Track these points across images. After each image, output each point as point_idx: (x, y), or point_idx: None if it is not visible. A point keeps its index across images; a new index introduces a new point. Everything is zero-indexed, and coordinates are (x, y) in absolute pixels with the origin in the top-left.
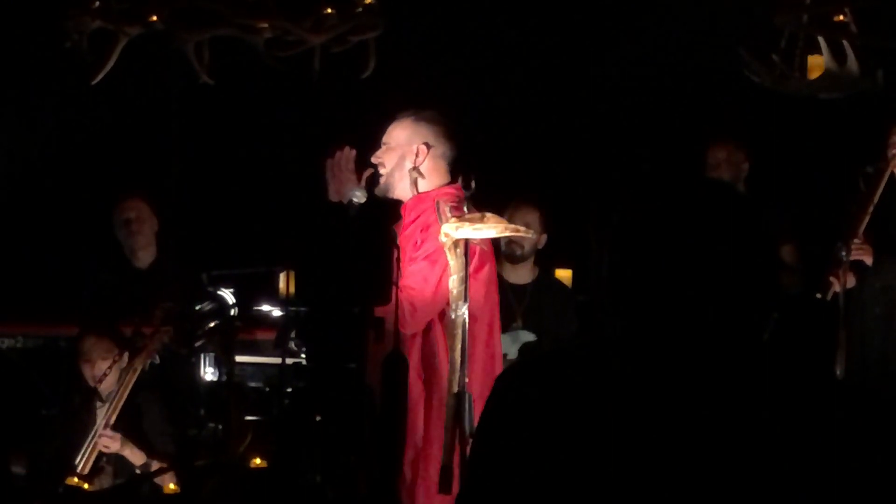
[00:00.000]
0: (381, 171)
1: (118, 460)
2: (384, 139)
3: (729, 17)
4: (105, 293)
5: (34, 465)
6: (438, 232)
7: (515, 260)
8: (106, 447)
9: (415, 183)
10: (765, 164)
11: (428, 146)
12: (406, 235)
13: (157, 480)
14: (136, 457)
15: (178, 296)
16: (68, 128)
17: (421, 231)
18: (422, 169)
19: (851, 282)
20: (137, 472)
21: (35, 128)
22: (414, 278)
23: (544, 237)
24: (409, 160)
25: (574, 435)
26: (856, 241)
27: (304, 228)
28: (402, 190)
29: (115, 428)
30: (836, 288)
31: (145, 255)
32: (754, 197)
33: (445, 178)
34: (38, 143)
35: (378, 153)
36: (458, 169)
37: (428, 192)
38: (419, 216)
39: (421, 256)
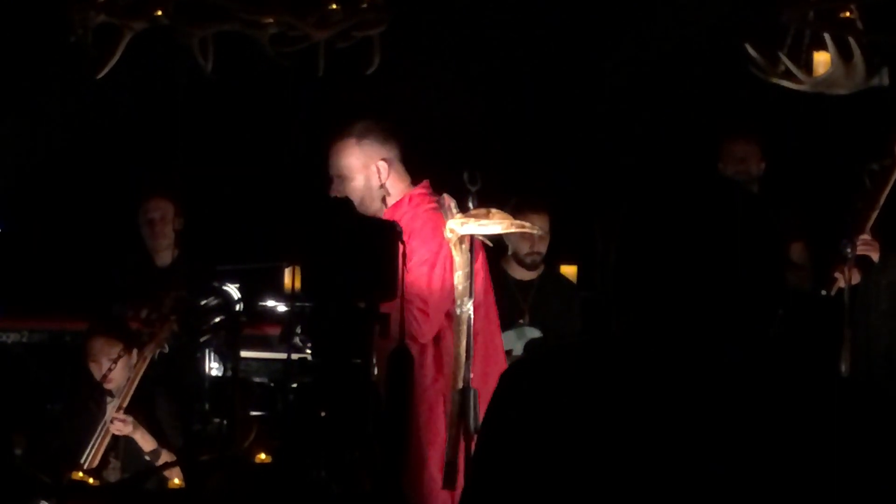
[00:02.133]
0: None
1: (125, 455)
2: (336, 170)
3: (734, 12)
4: (124, 291)
5: (39, 460)
6: (430, 234)
7: (535, 266)
8: (118, 430)
9: (383, 200)
10: (772, 160)
11: (386, 161)
12: None
13: (162, 475)
14: (146, 442)
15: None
16: (73, 123)
17: (409, 239)
18: (388, 185)
19: (856, 278)
20: (146, 458)
21: (40, 123)
22: (416, 287)
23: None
24: (374, 181)
25: (580, 431)
26: (864, 237)
27: (309, 223)
28: (376, 211)
29: (126, 414)
30: (841, 284)
31: (166, 255)
32: (765, 194)
33: (407, 179)
34: (43, 138)
35: (337, 188)
36: (462, 164)
37: (400, 199)
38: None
39: (417, 264)
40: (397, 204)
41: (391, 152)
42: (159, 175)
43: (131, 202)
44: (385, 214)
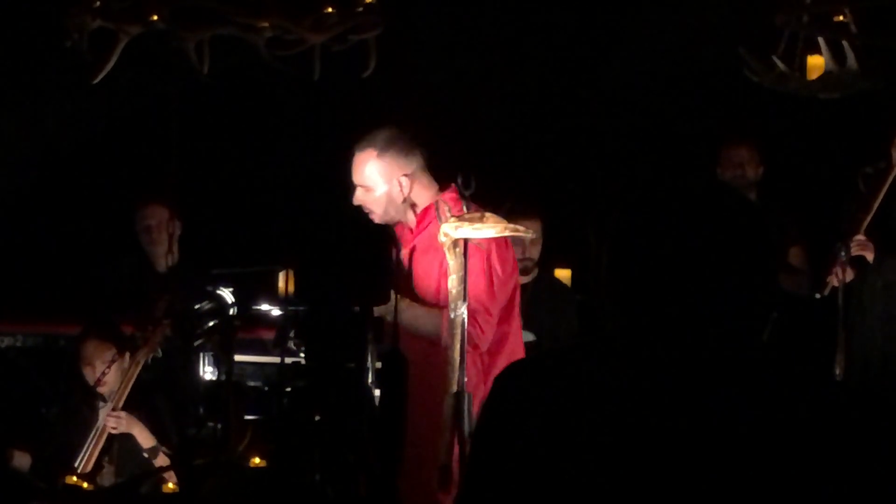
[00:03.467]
0: (373, 214)
1: (120, 458)
2: (358, 180)
3: (729, 16)
4: (123, 296)
5: (33, 464)
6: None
7: (528, 272)
8: (113, 427)
9: (413, 208)
10: (770, 165)
11: (408, 176)
12: (421, 242)
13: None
14: (144, 438)
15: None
16: (68, 128)
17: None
18: (413, 196)
19: (850, 276)
20: (144, 454)
21: (35, 127)
22: (476, 296)
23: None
24: (396, 194)
25: (573, 434)
26: (858, 237)
27: (303, 228)
28: (402, 216)
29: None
30: (835, 283)
31: (165, 260)
32: (763, 198)
33: (434, 186)
34: (38, 143)
35: (359, 197)
36: (456, 169)
37: (429, 206)
38: (430, 223)
39: (473, 274)
40: (426, 210)
41: (413, 165)
42: (155, 180)
43: (127, 207)
44: (416, 222)
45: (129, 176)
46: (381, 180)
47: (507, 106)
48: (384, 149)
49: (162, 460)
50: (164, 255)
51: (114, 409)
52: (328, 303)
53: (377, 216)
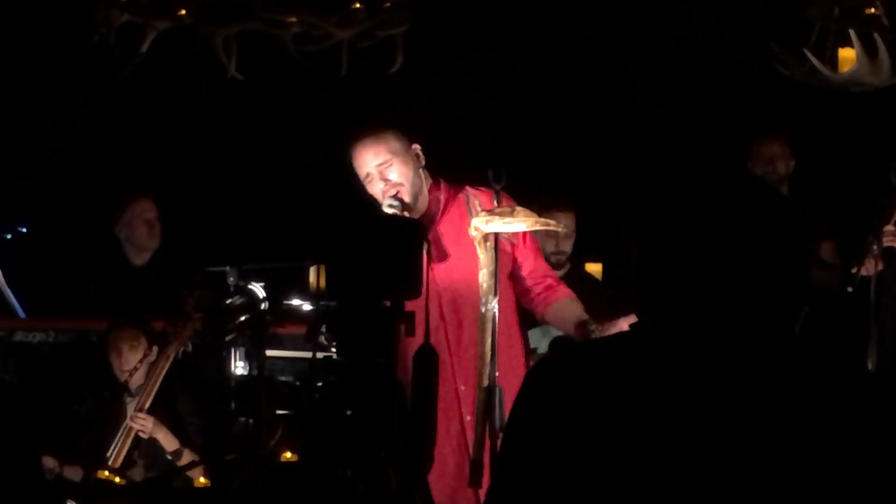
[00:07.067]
0: (402, 188)
1: (150, 453)
2: (381, 155)
3: (760, 10)
4: (111, 290)
5: (65, 460)
6: None
7: (560, 265)
8: (140, 429)
9: (425, 182)
10: (802, 159)
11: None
12: (448, 230)
13: (188, 474)
14: (168, 441)
15: (177, 290)
16: (96, 123)
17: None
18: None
19: (879, 266)
20: (168, 457)
21: (62, 124)
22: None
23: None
24: (416, 163)
25: (605, 428)
26: (889, 227)
27: (334, 222)
28: (421, 192)
29: (148, 413)
30: (864, 271)
31: (147, 254)
32: (795, 193)
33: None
34: (66, 139)
35: (385, 174)
36: (487, 162)
37: (451, 185)
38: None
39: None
40: (449, 198)
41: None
42: (169, 174)
43: (159, 201)
44: (443, 195)
45: (156, 171)
46: (401, 147)
47: (538, 100)
48: (385, 127)
49: (188, 457)
50: (150, 249)
51: (143, 406)
52: (359, 298)
53: (406, 189)
